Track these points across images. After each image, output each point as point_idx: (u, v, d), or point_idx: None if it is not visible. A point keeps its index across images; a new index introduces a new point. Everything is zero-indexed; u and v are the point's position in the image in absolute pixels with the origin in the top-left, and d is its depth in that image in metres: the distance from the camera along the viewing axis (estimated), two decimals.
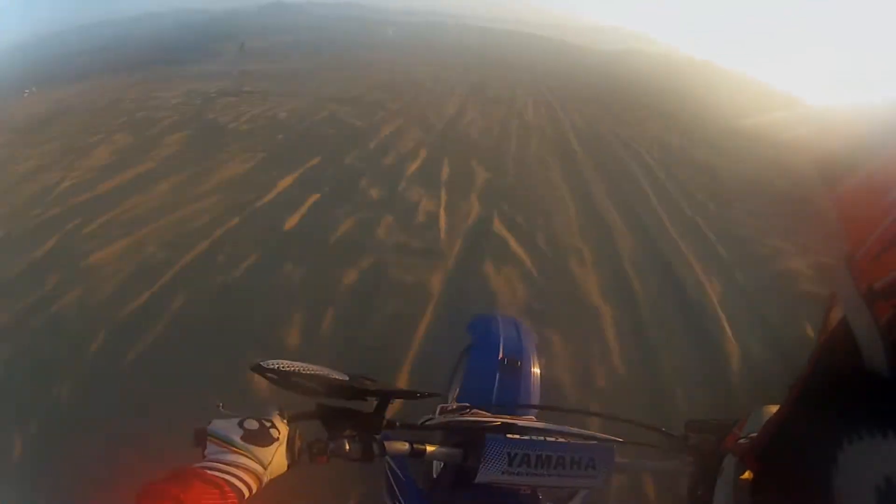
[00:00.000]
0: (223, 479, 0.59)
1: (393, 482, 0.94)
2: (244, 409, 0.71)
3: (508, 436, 0.77)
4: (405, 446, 0.76)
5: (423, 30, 25.96)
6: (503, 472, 0.74)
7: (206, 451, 0.63)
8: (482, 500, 0.78)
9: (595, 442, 0.81)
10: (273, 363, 0.71)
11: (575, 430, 0.83)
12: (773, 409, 0.69)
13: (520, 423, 0.82)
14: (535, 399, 1.18)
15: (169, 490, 0.54)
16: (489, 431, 0.79)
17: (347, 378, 0.75)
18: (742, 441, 0.73)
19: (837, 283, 0.43)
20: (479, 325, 1.45)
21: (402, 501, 0.92)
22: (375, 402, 0.77)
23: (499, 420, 0.82)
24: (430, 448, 0.77)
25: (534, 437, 0.78)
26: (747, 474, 0.65)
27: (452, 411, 0.86)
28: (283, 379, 0.71)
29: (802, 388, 0.50)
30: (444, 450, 0.79)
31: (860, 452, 0.39)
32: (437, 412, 0.87)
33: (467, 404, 0.89)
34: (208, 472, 0.59)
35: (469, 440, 0.79)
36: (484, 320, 1.51)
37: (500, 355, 1.23)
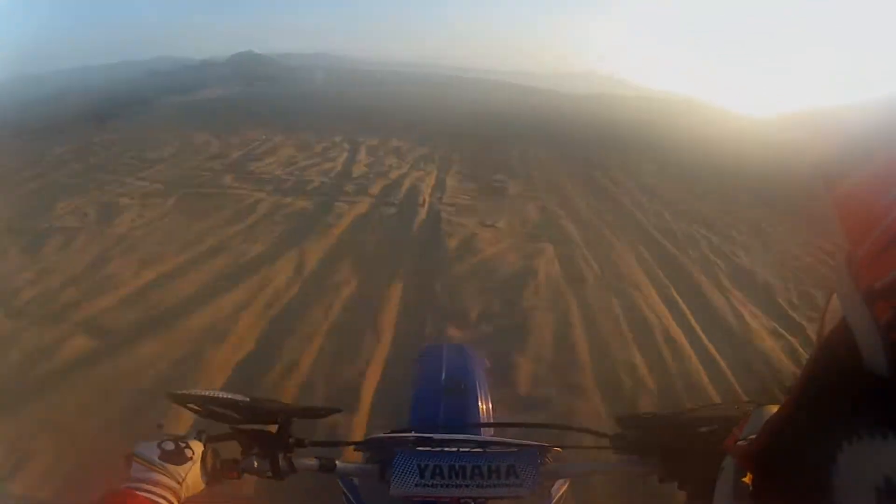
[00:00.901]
0: (145, 497, 0.67)
1: (349, 497, 0.95)
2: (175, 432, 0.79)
3: (419, 449, 0.79)
4: (313, 461, 0.82)
5: (387, 77, 26.60)
6: (416, 485, 0.75)
7: (130, 471, 0.71)
8: None
9: (515, 449, 0.81)
10: (185, 392, 0.80)
11: (497, 438, 0.83)
12: (773, 409, 0.69)
13: (435, 436, 0.82)
14: (481, 416, 1.18)
15: None
16: (399, 445, 0.80)
17: (248, 399, 0.81)
18: (741, 442, 0.73)
19: (837, 283, 0.43)
20: (426, 355, 1.48)
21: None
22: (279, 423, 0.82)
23: (411, 435, 0.83)
24: (340, 464, 0.82)
25: (446, 449, 0.79)
26: (747, 475, 0.65)
27: (396, 437, 0.87)
28: (194, 404, 0.80)
29: (802, 389, 0.50)
30: (357, 466, 0.83)
31: (860, 453, 0.39)
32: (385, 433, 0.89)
33: (411, 430, 0.90)
34: (134, 490, 0.67)
35: (384, 457, 0.81)
36: (430, 350, 1.54)
37: (443, 381, 1.25)
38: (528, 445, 0.82)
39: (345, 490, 0.95)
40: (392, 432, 0.88)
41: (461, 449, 0.79)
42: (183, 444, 0.75)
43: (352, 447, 0.92)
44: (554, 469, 0.84)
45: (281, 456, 0.80)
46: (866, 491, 0.37)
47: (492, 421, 1.17)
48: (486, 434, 0.90)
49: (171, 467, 0.71)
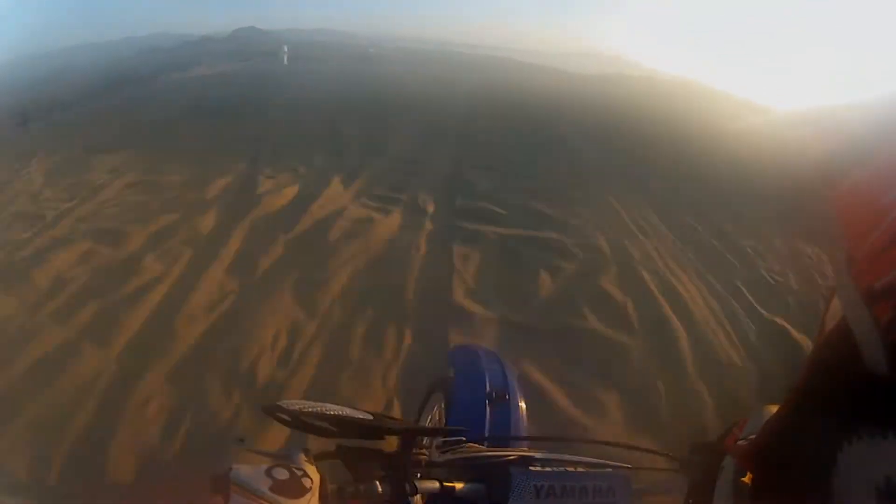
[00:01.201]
0: None
1: None
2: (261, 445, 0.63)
3: (532, 468, 0.77)
4: (436, 485, 0.74)
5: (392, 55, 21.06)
6: None
7: (229, 503, 0.57)
8: None
9: (611, 469, 0.81)
10: (288, 404, 0.68)
11: (588, 458, 0.83)
12: (773, 409, 0.69)
13: (537, 455, 0.81)
14: (526, 430, 1.17)
15: None
16: (512, 465, 0.78)
17: (371, 417, 0.74)
18: (741, 442, 0.73)
19: (837, 283, 0.43)
20: (461, 357, 1.43)
21: None
22: (399, 441, 0.75)
23: (516, 453, 0.82)
24: (459, 487, 0.75)
25: (555, 469, 0.77)
26: (747, 475, 0.65)
27: (452, 445, 0.85)
28: (299, 422, 0.68)
29: (802, 389, 0.50)
30: (469, 486, 0.77)
31: (860, 452, 0.39)
32: (434, 447, 0.86)
33: (462, 438, 0.87)
34: None
35: (491, 475, 0.78)
36: (465, 352, 1.48)
37: (488, 388, 1.22)
38: (621, 466, 0.83)
39: None
40: (488, 444, 0.85)
41: (567, 468, 0.78)
42: (299, 473, 0.62)
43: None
44: (639, 490, 0.84)
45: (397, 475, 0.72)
46: (866, 491, 0.37)
47: (540, 435, 1.12)
48: (581, 449, 0.89)
49: (288, 501, 0.58)
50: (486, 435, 1.09)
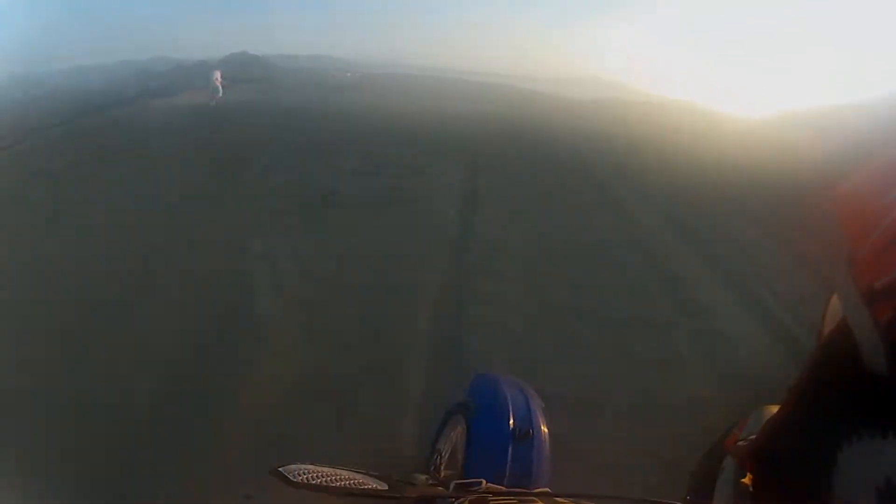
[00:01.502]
0: None
1: None
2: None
3: None
4: None
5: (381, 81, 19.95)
6: None
7: None
8: None
9: None
10: (299, 472, 0.66)
11: None
12: (773, 409, 0.69)
13: (559, 499, 0.80)
14: (546, 471, 1.13)
15: None
16: None
17: (387, 487, 0.71)
18: (742, 442, 0.73)
19: (837, 283, 0.43)
20: (482, 388, 1.37)
21: None
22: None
23: (533, 496, 0.79)
24: None
25: None
26: (747, 475, 0.65)
27: (469, 486, 0.83)
28: (311, 489, 0.66)
29: (802, 389, 0.50)
30: None
31: (860, 452, 0.39)
32: (451, 487, 0.84)
33: (482, 479, 0.86)
34: None
35: None
36: (486, 381, 1.41)
37: (511, 424, 1.17)
38: None
39: None
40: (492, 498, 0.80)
41: None
42: None
43: None
44: None
45: None
46: (866, 491, 0.37)
47: (565, 492, 1.11)
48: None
49: None
50: (507, 475, 1.04)
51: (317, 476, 0.66)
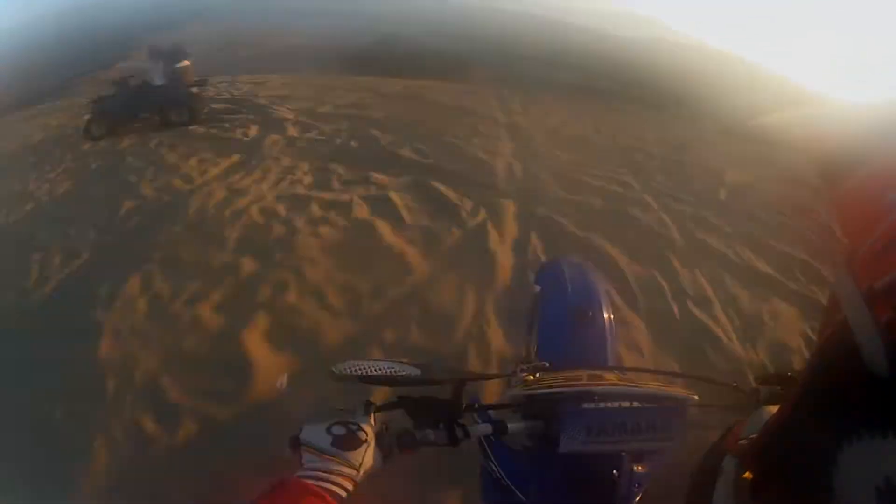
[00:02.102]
0: (321, 486, 0.64)
1: (486, 446, 0.97)
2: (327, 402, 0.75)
3: (584, 406, 0.78)
4: (488, 428, 0.78)
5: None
6: (583, 443, 0.76)
7: (302, 461, 0.67)
8: (568, 460, 0.80)
9: (667, 403, 0.81)
10: (346, 368, 0.76)
11: (649, 390, 0.83)
12: (773, 409, 0.69)
13: (594, 388, 0.83)
14: (609, 348, 1.17)
15: None
16: (566, 403, 0.80)
17: (420, 372, 0.79)
18: (742, 442, 0.73)
19: (837, 283, 0.43)
20: (547, 273, 1.42)
21: (495, 463, 0.94)
22: (451, 388, 0.80)
23: (573, 387, 0.83)
24: (511, 425, 0.79)
25: (608, 405, 0.79)
26: (747, 474, 0.65)
27: (532, 372, 0.89)
28: (359, 380, 0.75)
29: (802, 389, 0.50)
30: (525, 424, 0.81)
31: (860, 452, 0.39)
32: (519, 370, 0.90)
33: (546, 363, 0.92)
34: (308, 481, 0.64)
35: (547, 413, 0.81)
36: (551, 266, 1.46)
37: (569, 305, 1.22)
38: (682, 398, 0.82)
39: (486, 446, 0.94)
40: (536, 376, 0.88)
41: (622, 404, 0.79)
42: (355, 427, 0.70)
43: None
44: (702, 422, 0.88)
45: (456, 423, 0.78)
46: (866, 491, 0.37)
47: (615, 365, 1.15)
48: (636, 383, 0.90)
49: (346, 454, 0.67)
50: (567, 355, 1.09)
51: (359, 368, 0.76)
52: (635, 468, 0.88)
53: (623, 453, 0.84)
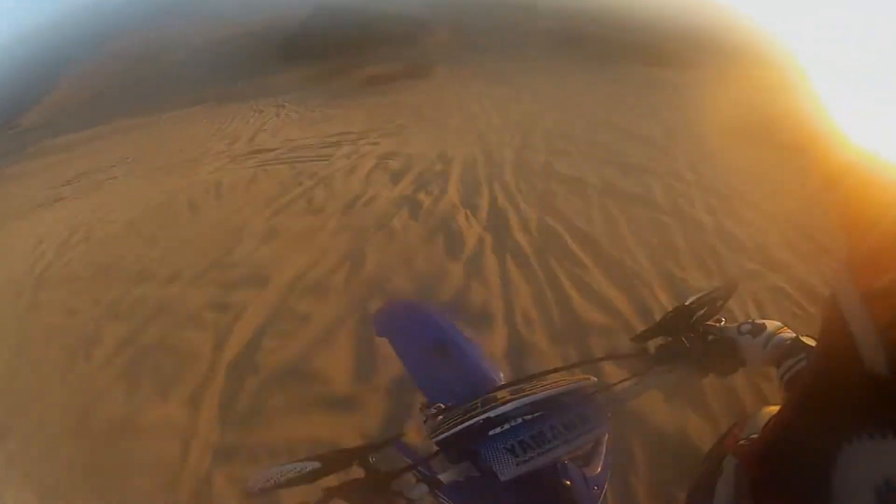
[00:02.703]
0: None
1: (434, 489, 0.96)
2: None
3: (491, 433, 0.77)
4: (420, 485, 0.77)
5: None
6: (516, 465, 0.74)
7: None
8: (516, 484, 0.78)
9: (569, 398, 0.81)
10: (260, 481, 0.76)
11: (546, 393, 0.80)
12: (773, 409, 0.69)
13: (492, 413, 0.80)
14: (488, 367, 1.15)
15: None
16: (473, 436, 0.78)
17: (319, 465, 0.77)
18: (742, 442, 0.73)
19: (837, 283, 0.43)
20: (384, 322, 1.37)
21: (448, 500, 0.92)
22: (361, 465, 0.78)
23: (473, 420, 0.81)
24: (443, 475, 0.78)
25: (514, 423, 0.77)
26: (747, 475, 0.65)
27: (433, 417, 0.88)
28: (279, 487, 0.75)
29: (802, 389, 0.50)
30: (455, 468, 0.79)
31: (860, 453, 0.39)
32: (424, 419, 0.90)
33: (440, 405, 0.90)
34: None
35: (464, 450, 0.79)
36: (384, 315, 1.42)
37: (421, 346, 1.18)
38: (578, 388, 0.81)
39: (444, 498, 0.89)
40: (439, 419, 0.86)
41: (526, 417, 0.78)
42: None
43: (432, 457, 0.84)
44: (607, 399, 0.84)
45: (383, 493, 0.75)
46: (866, 491, 0.37)
47: (500, 372, 1.13)
48: (533, 391, 0.87)
49: None
50: (451, 393, 1.05)
51: (272, 477, 0.75)
52: (585, 472, 0.87)
53: (565, 461, 0.82)
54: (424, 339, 1.19)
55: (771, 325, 0.87)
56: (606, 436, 0.92)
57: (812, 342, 0.79)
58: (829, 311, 0.47)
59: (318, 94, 7.74)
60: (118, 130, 7.80)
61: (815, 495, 0.43)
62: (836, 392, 0.43)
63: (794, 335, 0.84)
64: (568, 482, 0.81)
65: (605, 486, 0.88)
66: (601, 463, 0.91)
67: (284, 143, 5.88)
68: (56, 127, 8.61)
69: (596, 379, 0.84)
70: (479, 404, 0.83)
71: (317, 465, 0.76)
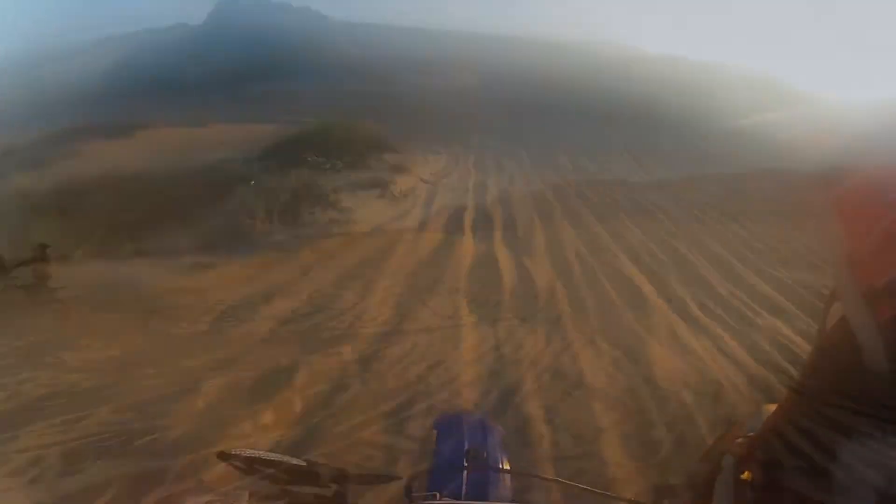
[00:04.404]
0: None
1: None
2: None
3: None
4: None
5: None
6: None
7: None
8: None
9: None
10: (237, 450, 0.77)
11: None
12: (773, 408, 0.69)
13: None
14: (506, 486, 1.18)
15: None
16: None
17: (305, 463, 0.78)
18: (741, 441, 0.73)
19: (838, 283, 0.43)
20: (444, 421, 1.50)
21: None
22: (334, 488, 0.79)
23: None
24: None
25: None
26: (746, 474, 0.65)
27: (427, 499, 0.88)
28: (247, 465, 0.76)
29: (803, 388, 0.50)
30: None
31: (860, 452, 0.39)
32: (411, 492, 0.90)
33: (435, 493, 0.91)
34: None
35: None
36: (449, 417, 1.56)
37: (466, 447, 1.24)
38: None
39: None
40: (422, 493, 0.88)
41: None
42: None
43: None
44: None
45: None
46: (866, 490, 0.38)
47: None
48: None
49: None
50: (464, 492, 1.08)
51: (251, 454, 0.76)
52: None
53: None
54: (469, 442, 1.25)
55: None
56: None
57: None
58: (830, 309, 0.47)
59: None
60: None
61: (814, 494, 0.43)
62: (836, 391, 0.43)
63: None
64: None
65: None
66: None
67: None
68: None
69: None
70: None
71: (301, 462, 0.78)
